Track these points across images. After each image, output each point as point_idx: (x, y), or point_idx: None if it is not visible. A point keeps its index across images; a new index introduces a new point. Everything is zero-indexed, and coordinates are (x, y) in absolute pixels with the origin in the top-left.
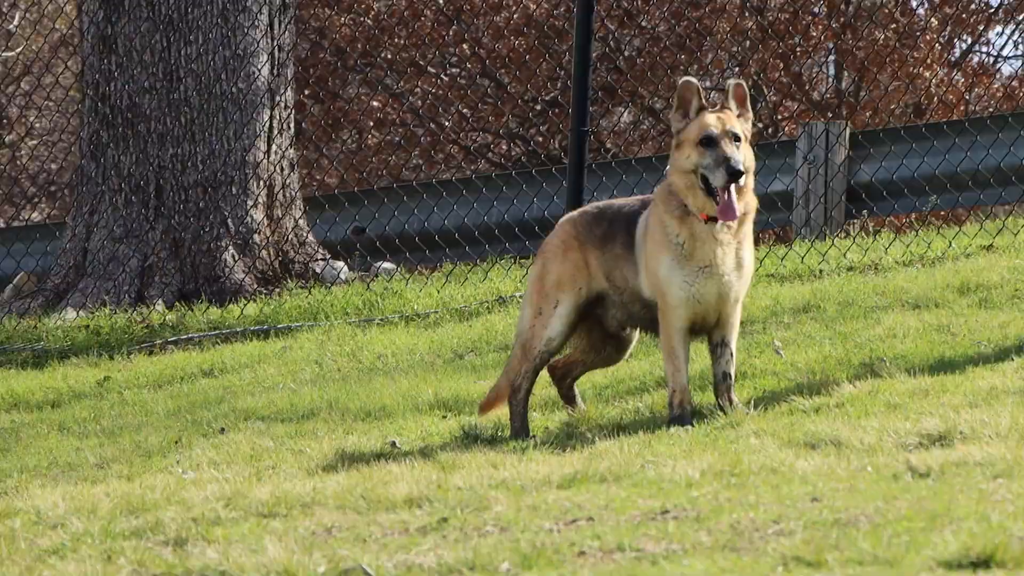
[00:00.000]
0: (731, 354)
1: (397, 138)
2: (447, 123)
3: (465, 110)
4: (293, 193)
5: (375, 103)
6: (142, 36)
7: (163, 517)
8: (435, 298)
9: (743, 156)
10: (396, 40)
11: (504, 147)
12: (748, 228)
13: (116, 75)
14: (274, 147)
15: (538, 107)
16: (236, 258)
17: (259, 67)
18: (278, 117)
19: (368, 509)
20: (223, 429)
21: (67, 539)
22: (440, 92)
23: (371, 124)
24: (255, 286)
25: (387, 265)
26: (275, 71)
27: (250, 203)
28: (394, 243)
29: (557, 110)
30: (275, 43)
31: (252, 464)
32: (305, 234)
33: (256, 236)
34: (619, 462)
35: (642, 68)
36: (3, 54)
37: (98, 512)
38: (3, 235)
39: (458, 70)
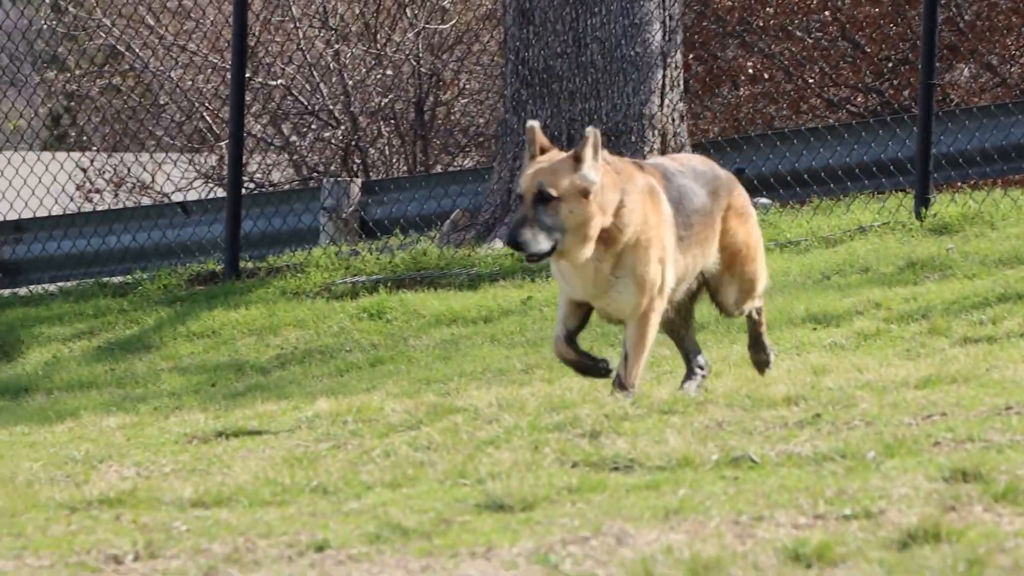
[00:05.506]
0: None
1: (769, 92)
2: (811, 79)
3: (826, 68)
4: (683, 140)
5: (749, 63)
6: (555, 8)
7: (580, 414)
8: (805, 228)
9: (550, 220)
10: (767, 9)
11: (860, 99)
12: (621, 246)
13: (533, 42)
14: (666, 101)
15: (890, 64)
16: None
17: (653, 33)
18: (669, 76)
19: (752, 407)
20: None
21: (500, 432)
22: (805, 53)
23: (746, 81)
24: None
25: (763, 200)
26: (666, 37)
27: (647, 150)
28: (769, 181)
29: (907, 67)
30: (666, 13)
31: (653, 370)
32: None
33: None
34: (967, 366)
35: (981, 29)
36: (438, 27)
37: (526, 409)
38: (442, 179)
39: (820, 34)
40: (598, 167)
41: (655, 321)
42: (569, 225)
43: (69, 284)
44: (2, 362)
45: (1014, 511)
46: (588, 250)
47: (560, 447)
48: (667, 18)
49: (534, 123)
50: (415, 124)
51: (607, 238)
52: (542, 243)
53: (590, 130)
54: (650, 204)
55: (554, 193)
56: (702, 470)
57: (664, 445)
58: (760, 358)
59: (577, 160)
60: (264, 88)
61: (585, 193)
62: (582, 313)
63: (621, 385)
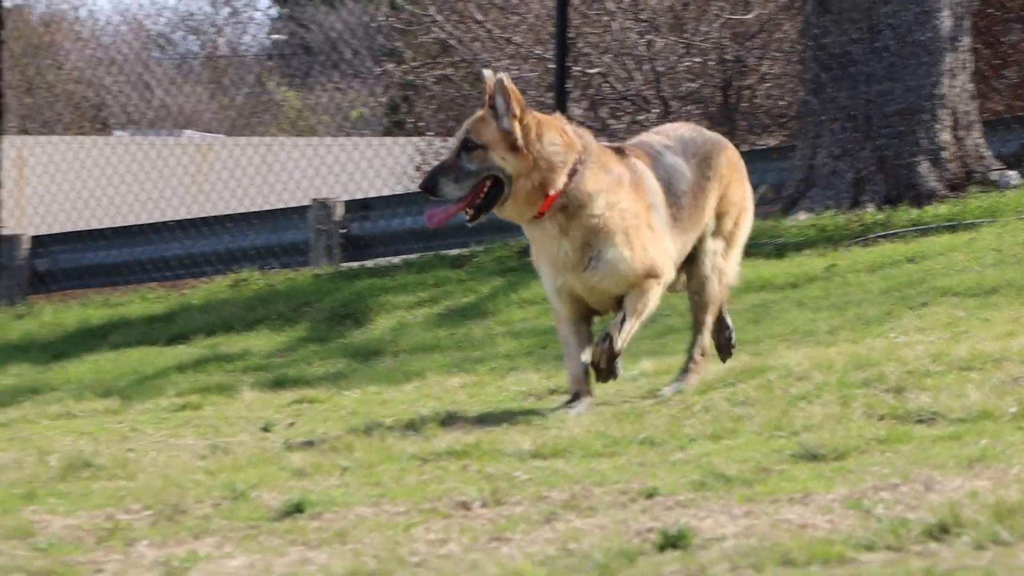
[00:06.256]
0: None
1: None
2: None
3: None
4: (972, 118)
5: None
6: None
7: (884, 371)
8: None
9: (474, 166)
10: None
11: None
12: (590, 221)
13: (831, 30)
14: (956, 82)
15: None
16: (929, 170)
17: (942, 20)
18: (958, 58)
19: None
20: (925, 303)
21: (811, 388)
22: None
23: None
24: (944, 192)
25: None
26: (955, 23)
27: (939, 127)
28: None
29: None
30: (954, 0)
31: (949, 330)
32: (983, 150)
33: (944, 153)
34: None
35: None
36: (742, 17)
37: (833, 367)
38: (748, 157)
39: None
40: (515, 115)
41: (657, 293)
42: (511, 169)
43: (411, 257)
44: (354, 328)
45: None
46: (531, 208)
47: (867, 401)
48: (955, 5)
49: (488, 71)
50: (722, 107)
51: (564, 206)
52: (454, 191)
53: (494, 77)
54: (632, 193)
55: (476, 140)
56: (1001, 422)
57: (965, 399)
58: (721, 339)
59: (493, 109)
60: (583, 76)
61: (512, 143)
62: (586, 333)
63: (607, 337)
